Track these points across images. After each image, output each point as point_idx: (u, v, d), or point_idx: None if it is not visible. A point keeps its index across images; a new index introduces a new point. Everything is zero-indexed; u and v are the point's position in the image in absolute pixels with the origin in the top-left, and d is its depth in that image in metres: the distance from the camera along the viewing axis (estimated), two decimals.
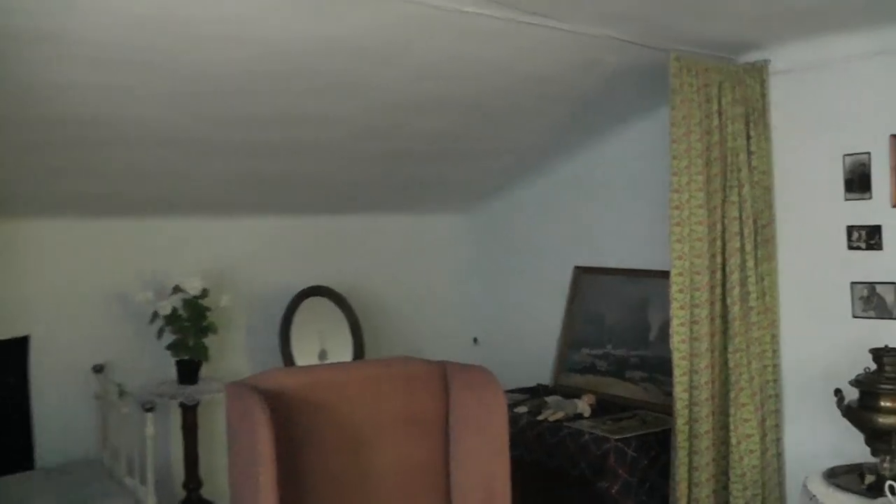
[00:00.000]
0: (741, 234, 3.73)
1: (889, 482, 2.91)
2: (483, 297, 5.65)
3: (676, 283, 3.59)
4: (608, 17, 3.22)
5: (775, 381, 3.81)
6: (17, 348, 4.04)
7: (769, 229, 3.82)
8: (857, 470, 3.24)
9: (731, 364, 3.70)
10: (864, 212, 3.56)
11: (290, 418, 3.18)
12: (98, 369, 4.19)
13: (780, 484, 3.81)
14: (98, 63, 2.92)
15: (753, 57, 3.84)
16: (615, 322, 4.75)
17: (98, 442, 4.14)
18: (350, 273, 5.10)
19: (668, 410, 3.89)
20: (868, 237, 3.55)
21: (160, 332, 4.21)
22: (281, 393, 3.19)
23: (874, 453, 3.18)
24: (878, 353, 3.20)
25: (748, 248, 3.73)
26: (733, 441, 3.65)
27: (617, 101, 4.26)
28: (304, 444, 3.20)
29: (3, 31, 2.61)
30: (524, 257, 5.36)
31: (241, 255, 4.73)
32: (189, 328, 4.21)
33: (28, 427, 4.04)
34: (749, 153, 3.77)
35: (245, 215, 4.74)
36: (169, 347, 4.22)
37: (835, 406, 3.32)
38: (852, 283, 3.60)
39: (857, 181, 3.58)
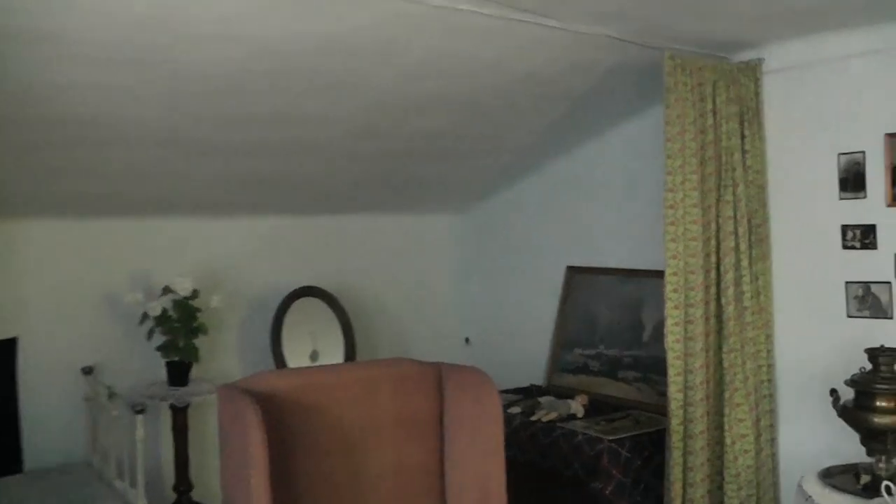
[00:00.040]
0: (735, 233, 3.72)
1: (885, 482, 2.90)
2: (476, 297, 5.63)
3: (671, 283, 3.59)
4: (602, 16, 3.21)
5: (770, 380, 3.80)
6: (6, 350, 4.01)
7: (763, 229, 3.81)
8: (852, 470, 3.23)
9: (725, 364, 3.69)
10: (858, 211, 3.55)
11: (283, 421, 3.16)
12: (87, 371, 4.15)
13: (775, 484, 3.81)
14: (98, 63, 2.92)
15: (747, 56, 3.83)
16: (608, 322, 4.74)
17: (87, 444, 4.10)
18: (343, 273, 5.08)
19: (661, 410, 3.89)
20: (863, 236, 3.55)
21: (150, 334, 4.18)
22: (273, 395, 3.17)
23: (870, 453, 3.17)
24: (874, 353, 3.19)
25: (742, 247, 3.72)
26: (728, 441, 3.65)
27: (611, 100, 4.26)
28: (297, 446, 3.18)
29: (3, 31, 2.60)
30: (518, 257, 5.34)
31: (234, 256, 4.70)
32: (179, 329, 4.18)
33: (16, 429, 4.00)
34: (743, 152, 3.77)
35: (240, 215, 4.71)
36: (159, 349, 4.18)
37: (830, 406, 3.31)
38: (847, 282, 3.60)
39: (852, 180, 3.57)
